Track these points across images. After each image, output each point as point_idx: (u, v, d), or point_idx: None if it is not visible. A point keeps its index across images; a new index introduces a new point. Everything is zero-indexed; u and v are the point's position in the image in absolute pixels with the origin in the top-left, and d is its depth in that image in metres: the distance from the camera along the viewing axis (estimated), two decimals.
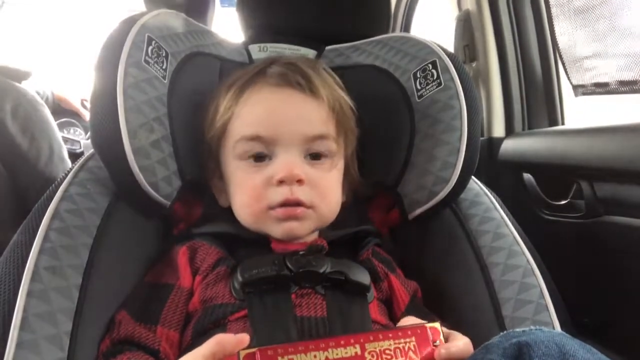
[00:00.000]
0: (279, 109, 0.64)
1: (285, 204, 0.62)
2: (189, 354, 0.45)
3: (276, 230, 0.64)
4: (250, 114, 0.64)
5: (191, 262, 0.62)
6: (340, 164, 0.69)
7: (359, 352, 0.44)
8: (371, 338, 0.45)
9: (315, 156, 0.65)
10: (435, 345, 0.47)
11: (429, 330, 0.47)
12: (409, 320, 0.51)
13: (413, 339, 0.45)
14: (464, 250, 0.70)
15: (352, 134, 0.71)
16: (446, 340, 0.48)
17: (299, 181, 0.62)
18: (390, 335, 0.45)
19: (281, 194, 0.62)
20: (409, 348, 0.45)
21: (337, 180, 0.68)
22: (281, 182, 0.61)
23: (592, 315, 0.86)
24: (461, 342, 0.48)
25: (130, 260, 0.64)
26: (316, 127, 0.64)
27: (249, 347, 0.43)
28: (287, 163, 0.62)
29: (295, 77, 0.65)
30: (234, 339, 0.44)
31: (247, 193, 0.64)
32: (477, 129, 0.71)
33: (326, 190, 0.65)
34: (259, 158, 0.64)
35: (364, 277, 0.61)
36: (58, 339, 0.51)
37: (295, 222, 0.63)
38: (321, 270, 0.59)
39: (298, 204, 0.62)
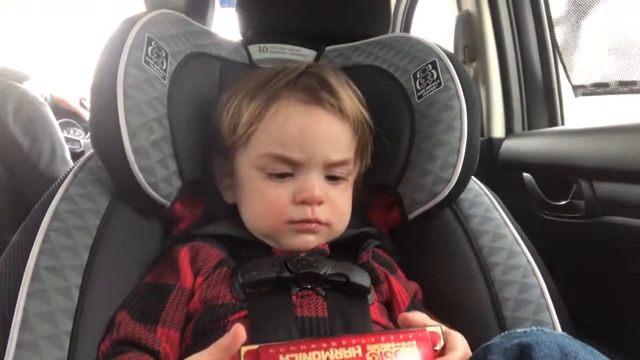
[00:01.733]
0: (308, 131, 0.63)
1: (305, 221, 0.63)
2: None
3: (291, 241, 0.64)
4: (278, 131, 0.63)
5: (192, 263, 0.62)
6: (352, 181, 0.70)
7: (360, 354, 0.44)
8: (372, 340, 0.45)
9: (333, 177, 0.66)
10: (435, 350, 0.47)
11: (429, 334, 0.47)
12: (416, 315, 0.51)
13: (414, 342, 0.46)
14: (464, 251, 0.70)
15: (367, 152, 0.72)
16: (445, 341, 0.48)
17: (320, 202, 0.63)
18: (392, 337, 0.46)
19: (302, 212, 0.63)
20: (410, 351, 0.45)
21: (350, 197, 0.70)
22: (303, 202, 0.62)
23: (592, 315, 0.86)
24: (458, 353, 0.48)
25: (130, 260, 0.64)
26: (340, 152, 0.65)
27: (250, 344, 0.43)
28: (310, 184, 0.62)
29: (325, 96, 0.64)
30: (229, 339, 0.44)
31: (267, 205, 0.64)
32: (477, 129, 0.72)
33: (341, 208, 0.66)
34: (282, 174, 0.64)
35: (365, 280, 0.61)
36: (58, 338, 0.51)
37: (312, 235, 0.64)
38: (322, 272, 0.59)
39: (316, 222, 0.63)
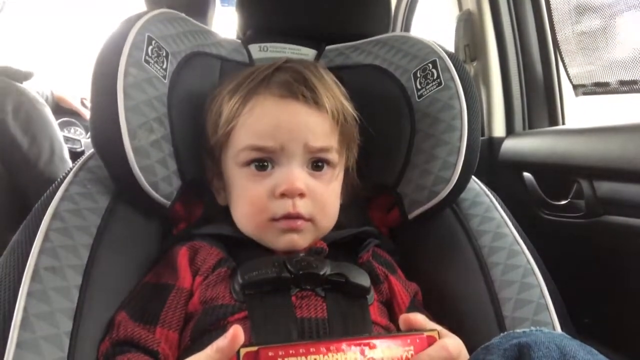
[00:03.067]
0: (284, 123, 0.63)
1: (286, 217, 0.62)
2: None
3: (277, 241, 0.64)
4: (255, 125, 0.63)
5: (191, 263, 0.62)
6: (340, 175, 0.69)
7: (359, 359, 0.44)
8: (371, 344, 0.45)
9: (316, 166, 0.65)
10: None
11: (426, 338, 0.47)
12: (417, 317, 0.51)
13: (412, 348, 0.46)
14: (464, 250, 0.70)
15: (355, 144, 0.71)
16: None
17: (301, 194, 0.62)
18: (390, 342, 0.46)
19: (283, 207, 0.62)
20: (406, 357, 0.45)
21: (337, 192, 0.69)
22: (283, 195, 0.62)
23: (592, 315, 0.86)
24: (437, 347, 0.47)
25: (130, 260, 0.64)
26: (319, 139, 0.64)
27: (249, 345, 0.43)
28: (289, 176, 0.62)
29: (300, 89, 0.64)
30: (227, 340, 0.43)
31: (249, 203, 0.64)
32: (477, 128, 0.72)
33: (326, 203, 0.65)
34: (261, 167, 0.63)
35: (364, 280, 0.61)
36: (58, 339, 0.51)
37: (296, 234, 0.63)
38: (321, 273, 0.58)
39: (299, 217, 0.62)
